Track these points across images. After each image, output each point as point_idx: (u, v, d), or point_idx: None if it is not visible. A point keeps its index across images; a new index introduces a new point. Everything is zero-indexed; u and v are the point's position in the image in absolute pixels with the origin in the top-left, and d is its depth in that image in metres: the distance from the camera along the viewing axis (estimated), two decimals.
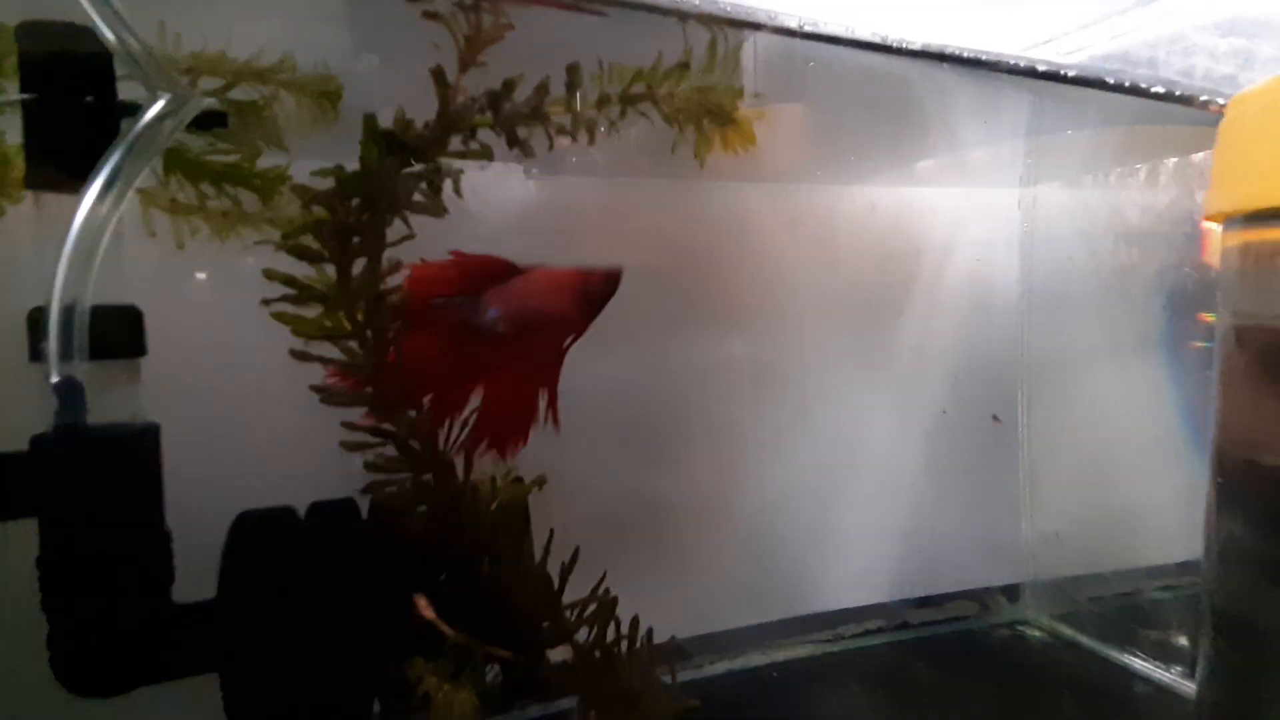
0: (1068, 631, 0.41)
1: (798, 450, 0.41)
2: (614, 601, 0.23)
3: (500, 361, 0.25)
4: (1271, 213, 0.19)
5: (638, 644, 0.23)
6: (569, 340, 0.27)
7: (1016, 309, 0.43)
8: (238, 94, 0.24)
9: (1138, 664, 0.37)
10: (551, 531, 0.24)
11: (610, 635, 0.23)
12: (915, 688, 0.37)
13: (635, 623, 0.23)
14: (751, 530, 0.41)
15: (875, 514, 0.43)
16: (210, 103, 0.20)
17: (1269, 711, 0.21)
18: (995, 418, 0.41)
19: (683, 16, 0.19)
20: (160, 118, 0.20)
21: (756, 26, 0.23)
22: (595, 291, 0.28)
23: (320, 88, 0.26)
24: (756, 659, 0.39)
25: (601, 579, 0.23)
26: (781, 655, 0.40)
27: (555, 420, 0.26)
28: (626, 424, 0.38)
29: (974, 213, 0.42)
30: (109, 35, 0.18)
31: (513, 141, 0.19)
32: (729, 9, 0.23)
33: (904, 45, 0.31)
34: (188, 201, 0.25)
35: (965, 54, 0.34)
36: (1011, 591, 0.44)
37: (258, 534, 0.23)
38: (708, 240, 0.40)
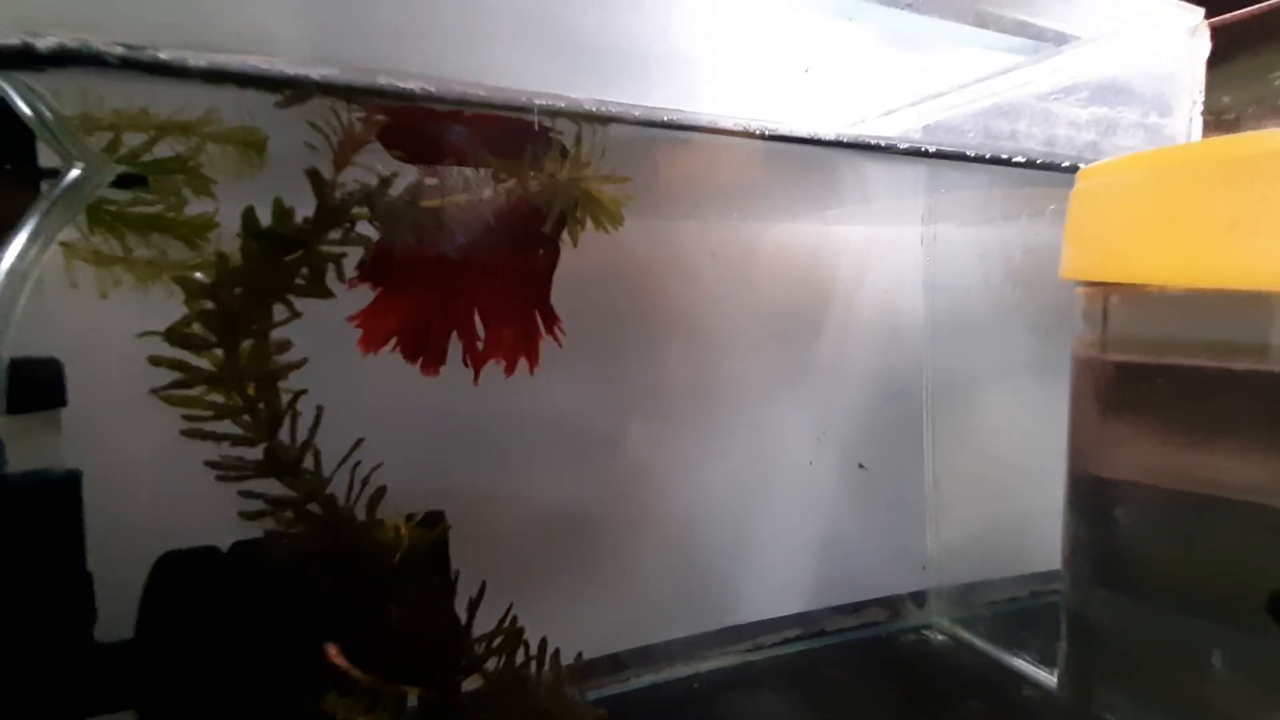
0: (966, 635, 0.44)
1: (721, 467, 0.44)
2: (520, 631, 0.25)
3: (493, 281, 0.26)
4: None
5: (546, 666, 0.25)
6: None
7: (921, 335, 0.47)
8: (163, 149, 0.25)
9: (1024, 666, 0.40)
10: (457, 573, 0.25)
11: (521, 659, 0.25)
12: (828, 691, 0.40)
13: (544, 644, 0.25)
14: (676, 545, 0.43)
15: (793, 527, 0.45)
16: (121, 169, 0.21)
17: (1101, 704, 0.23)
18: (861, 465, 0.44)
19: (565, 115, 0.20)
20: (76, 183, 0.21)
21: (623, 121, 0.24)
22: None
23: (246, 138, 0.27)
24: (681, 670, 0.41)
25: (508, 611, 0.25)
26: (704, 666, 0.42)
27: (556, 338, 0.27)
28: (557, 442, 0.40)
29: (882, 248, 0.45)
30: (24, 109, 0.19)
31: (389, 231, 0.21)
32: (614, 109, 0.24)
33: (783, 133, 0.33)
34: (111, 253, 0.26)
35: (869, 142, 0.37)
36: (919, 598, 0.47)
37: (180, 573, 0.24)
38: (637, 270, 0.42)
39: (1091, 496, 0.24)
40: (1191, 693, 0.21)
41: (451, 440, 0.37)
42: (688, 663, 0.42)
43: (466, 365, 0.27)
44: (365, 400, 0.32)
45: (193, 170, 0.26)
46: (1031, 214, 0.39)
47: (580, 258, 0.41)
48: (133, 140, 0.24)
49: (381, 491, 0.23)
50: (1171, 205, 0.18)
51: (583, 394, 0.40)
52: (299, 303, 0.22)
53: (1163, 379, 0.21)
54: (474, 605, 0.24)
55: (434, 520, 0.27)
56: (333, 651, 0.21)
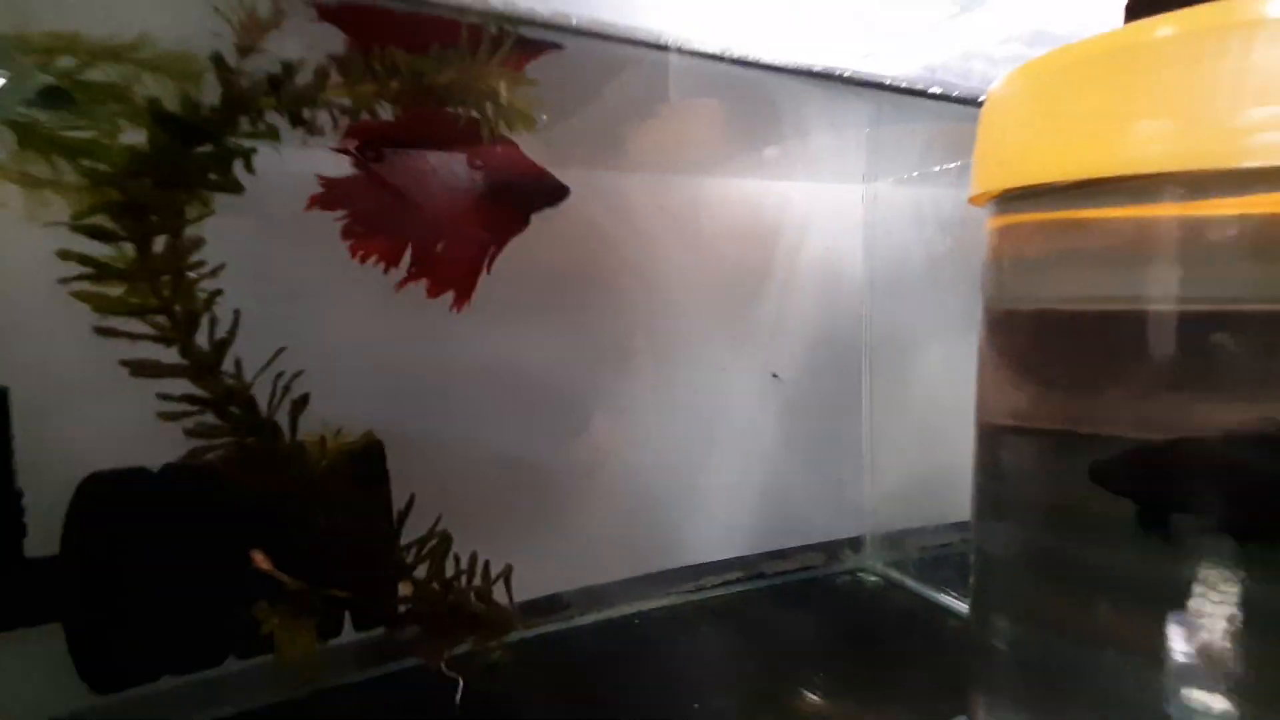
0: (898, 576, 0.47)
1: (667, 417, 0.45)
2: (448, 539, 0.26)
3: (458, 219, 0.30)
4: (1013, 194, 0.22)
5: (475, 577, 0.26)
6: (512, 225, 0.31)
7: (861, 290, 0.48)
8: (97, 74, 0.26)
9: (951, 602, 0.43)
10: (413, 496, 0.27)
11: (453, 572, 0.27)
12: (764, 628, 0.42)
13: (474, 557, 0.27)
14: (625, 492, 0.44)
15: (736, 476, 0.47)
16: (49, 80, 0.21)
17: (992, 628, 0.25)
18: (775, 375, 0.45)
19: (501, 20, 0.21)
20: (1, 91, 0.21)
21: (592, 35, 0.26)
22: (548, 185, 0.32)
23: (182, 68, 0.27)
24: (624, 609, 0.43)
25: (437, 521, 0.26)
26: (647, 605, 0.44)
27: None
28: (512, 394, 0.41)
29: (823, 205, 0.47)
30: None
31: (296, 121, 0.21)
32: (576, 22, 0.26)
33: (754, 59, 0.35)
34: (41, 175, 0.26)
35: (814, 69, 0.38)
36: (855, 543, 0.49)
37: (106, 492, 0.24)
38: (587, 223, 0.43)
39: (985, 439, 0.26)
40: (1067, 614, 0.23)
41: (409, 389, 0.38)
42: (631, 602, 0.44)
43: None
44: (327, 352, 0.33)
45: (126, 98, 0.26)
46: (965, 165, 0.41)
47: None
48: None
49: (304, 399, 0.24)
50: (1052, 102, 0.19)
51: (534, 345, 0.41)
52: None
53: (1036, 327, 0.23)
54: (403, 516, 0.25)
55: (372, 447, 0.28)
56: (259, 558, 0.22)
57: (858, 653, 0.39)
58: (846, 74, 0.40)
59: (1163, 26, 0.17)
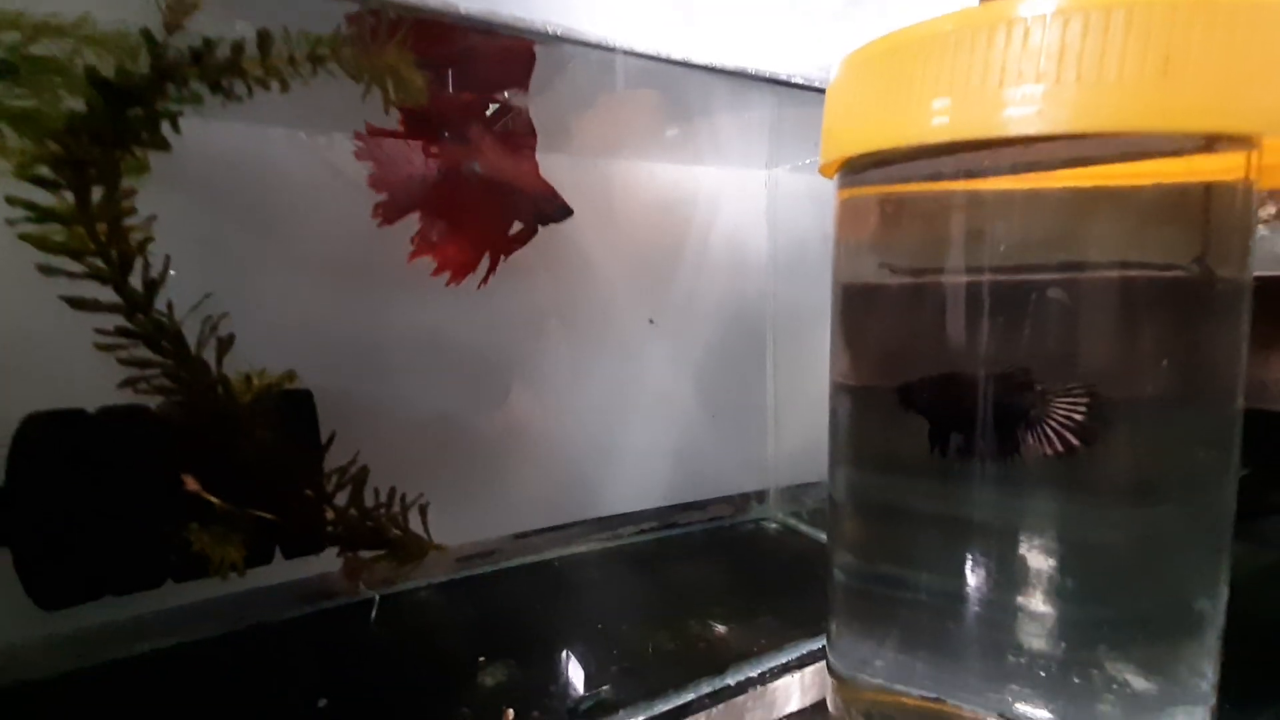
0: (796, 524, 0.52)
1: (590, 383, 0.49)
2: (365, 471, 0.29)
3: (469, 207, 0.34)
4: (845, 167, 0.26)
5: (394, 506, 0.29)
6: (514, 229, 0.36)
7: (766, 269, 0.53)
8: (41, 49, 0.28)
9: None
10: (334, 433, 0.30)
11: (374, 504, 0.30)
12: (671, 568, 0.46)
13: (393, 491, 0.30)
14: (549, 451, 0.48)
15: (653, 436, 0.51)
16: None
17: (835, 559, 0.29)
18: (650, 320, 0.49)
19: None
20: None
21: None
22: (554, 203, 0.37)
23: (118, 43, 0.30)
24: (546, 555, 0.47)
25: (355, 457, 0.29)
26: (567, 551, 0.48)
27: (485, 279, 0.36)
28: (446, 360, 0.44)
29: (731, 190, 0.52)
30: None
31: (215, 89, 0.24)
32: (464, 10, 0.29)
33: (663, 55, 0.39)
34: None
35: (719, 66, 0.43)
36: (760, 495, 0.54)
37: (45, 430, 0.27)
38: None
39: (831, 398, 0.30)
40: (881, 543, 0.28)
41: (346, 353, 0.41)
42: (552, 548, 0.47)
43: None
44: (270, 318, 0.36)
45: (67, 70, 0.28)
46: None
47: None
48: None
49: (230, 339, 0.27)
50: (865, 85, 0.23)
51: (463, 316, 0.44)
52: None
53: (855, 295, 0.27)
54: (326, 445, 0.28)
55: (299, 391, 0.31)
56: (189, 481, 0.25)
57: (751, 587, 0.43)
58: (752, 71, 0.46)
59: (948, 21, 0.21)
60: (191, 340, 0.27)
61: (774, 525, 0.52)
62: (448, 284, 0.38)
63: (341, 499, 0.29)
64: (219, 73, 0.24)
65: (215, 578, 0.27)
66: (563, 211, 0.38)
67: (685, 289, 0.52)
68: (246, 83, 0.24)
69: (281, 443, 0.28)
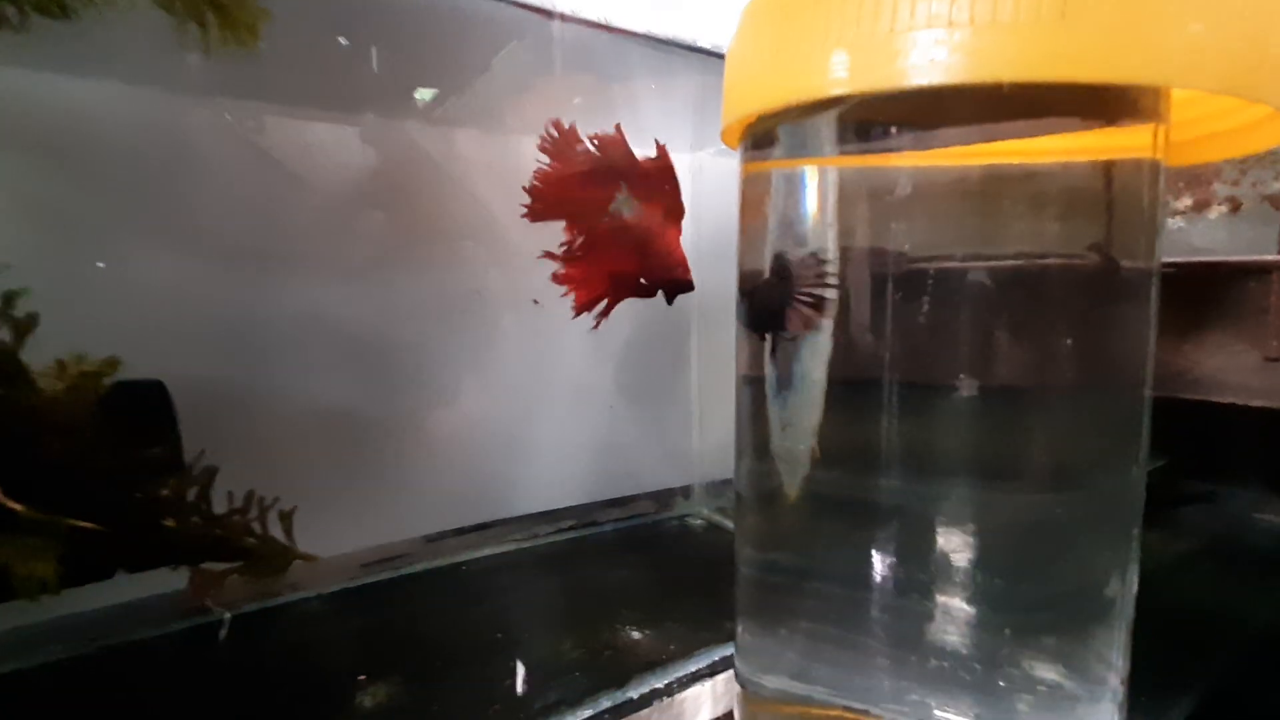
0: (721, 520, 0.50)
1: (501, 373, 0.46)
2: (211, 472, 0.26)
3: (613, 245, 0.36)
4: (754, 134, 0.24)
5: (252, 512, 0.26)
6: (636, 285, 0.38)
7: (689, 253, 0.51)
8: None
9: None
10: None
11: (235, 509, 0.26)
12: (588, 570, 0.44)
13: (250, 494, 0.27)
14: (461, 446, 0.45)
15: (571, 430, 0.49)
16: None
17: (738, 554, 0.28)
18: (535, 301, 0.46)
19: None
20: None
21: None
22: (685, 276, 0.38)
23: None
24: (454, 558, 0.44)
25: (201, 454, 0.26)
26: (478, 554, 0.45)
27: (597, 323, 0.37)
28: (345, 349, 0.40)
29: None
30: None
31: None
32: None
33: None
34: None
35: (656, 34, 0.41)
36: (686, 491, 0.53)
37: None
38: (414, 180, 0.43)
39: (737, 388, 0.29)
40: (780, 529, 0.26)
41: (228, 343, 0.37)
42: (463, 551, 0.44)
43: None
44: (136, 301, 0.32)
45: None
46: None
47: (361, 167, 0.42)
48: None
49: (32, 319, 0.23)
50: (754, 43, 0.21)
51: (362, 301, 0.41)
52: None
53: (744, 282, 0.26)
54: (170, 452, 0.25)
55: (145, 386, 0.28)
56: None
57: (669, 588, 0.41)
58: (673, 39, 0.43)
59: None
60: None
61: (699, 522, 0.51)
62: (574, 313, 0.38)
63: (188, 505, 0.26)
64: None
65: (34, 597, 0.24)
66: (687, 286, 0.39)
67: None
68: (23, 10, 0.21)
69: (110, 442, 0.24)
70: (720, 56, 0.42)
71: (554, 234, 0.47)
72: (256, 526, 0.26)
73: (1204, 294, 0.39)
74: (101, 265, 0.33)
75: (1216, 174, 0.52)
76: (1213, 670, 0.33)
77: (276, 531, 0.28)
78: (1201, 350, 0.38)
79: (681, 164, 0.51)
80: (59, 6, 0.21)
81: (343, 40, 0.37)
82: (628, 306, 0.50)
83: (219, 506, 0.29)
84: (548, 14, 0.42)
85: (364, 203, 0.42)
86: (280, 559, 0.26)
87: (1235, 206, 0.51)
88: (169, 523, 0.25)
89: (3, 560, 0.22)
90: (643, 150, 0.49)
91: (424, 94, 0.44)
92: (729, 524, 0.49)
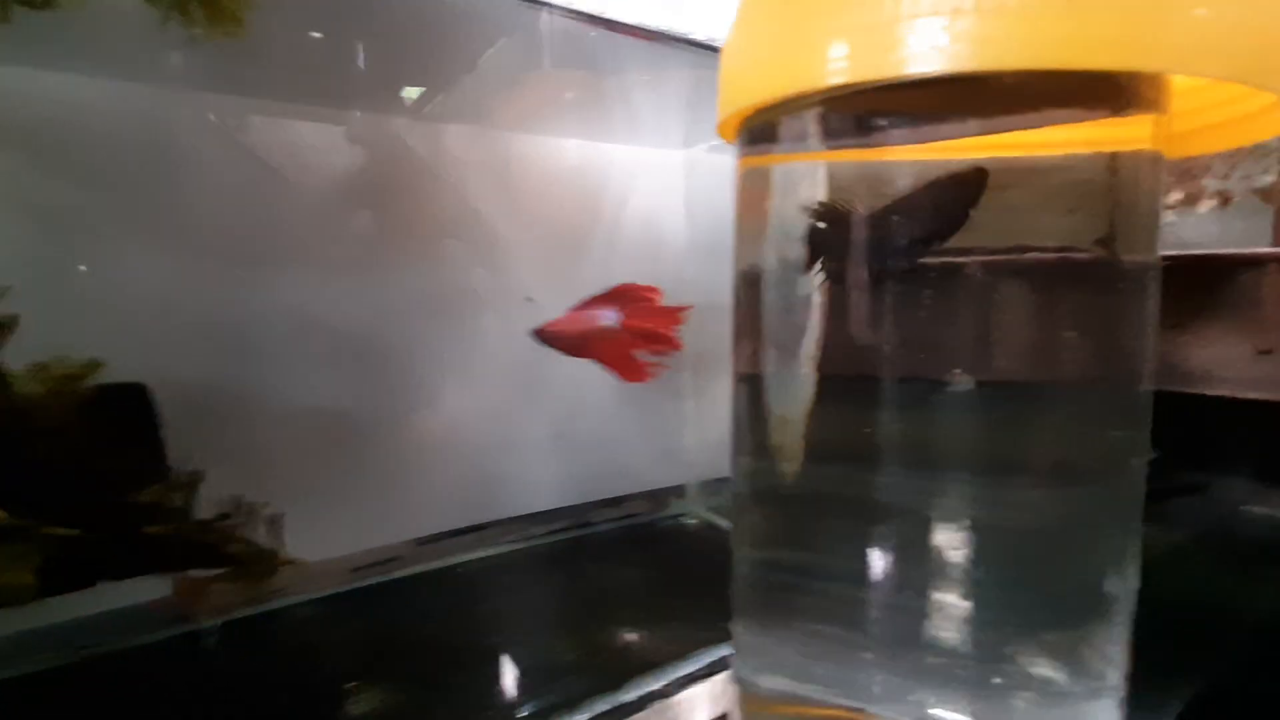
0: (715, 518, 0.50)
1: (497, 372, 0.46)
2: (196, 477, 0.25)
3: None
4: (751, 127, 0.23)
5: (238, 518, 0.26)
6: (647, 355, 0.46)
7: (683, 250, 0.51)
8: None
9: None
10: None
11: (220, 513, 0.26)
12: (582, 570, 0.43)
13: (238, 500, 0.26)
14: (456, 447, 0.44)
15: (566, 430, 0.48)
16: None
17: (736, 553, 0.27)
18: (529, 299, 0.47)
19: None
20: None
21: None
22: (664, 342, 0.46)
23: None
24: (447, 560, 0.43)
25: (186, 458, 0.25)
26: (471, 556, 0.44)
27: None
28: (334, 349, 0.40)
29: (647, 168, 0.49)
30: None
31: None
32: None
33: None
34: None
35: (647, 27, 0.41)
36: (679, 490, 0.52)
37: None
38: (404, 177, 0.42)
39: (734, 387, 0.28)
40: (779, 528, 0.26)
41: (224, 345, 0.36)
42: (458, 553, 0.44)
43: None
44: (128, 303, 0.32)
45: None
46: None
47: (348, 164, 0.41)
48: None
49: (12, 320, 0.22)
50: (749, 36, 0.21)
51: (351, 299, 0.40)
52: None
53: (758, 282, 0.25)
54: (152, 457, 0.24)
55: (136, 390, 0.27)
56: None
57: (665, 587, 0.41)
58: (667, 31, 0.43)
59: None
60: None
61: (693, 521, 0.50)
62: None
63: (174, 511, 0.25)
64: None
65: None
66: (670, 344, 0.47)
67: (599, 273, 0.48)
68: None
69: (93, 444, 0.23)
70: (714, 49, 0.41)
71: (546, 235, 0.47)
72: (243, 532, 0.26)
73: (1196, 287, 0.39)
74: (84, 269, 0.32)
75: (1206, 168, 0.52)
76: (1207, 663, 0.33)
77: (270, 535, 0.27)
78: (1194, 343, 0.38)
79: (674, 160, 0.51)
80: None
81: (317, 34, 0.36)
82: None
83: (207, 511, 0.28)
84: (537, 5, 0.41)
85: (352, 200, 0.41)
86: (267, 565, 0.26)
87: (1225, 200, 0.51)
88: (151, 529, 0.24)
89: None
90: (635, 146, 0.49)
91: (411, 91, 0.43)
92: (724, 522, 0.49)
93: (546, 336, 0.44)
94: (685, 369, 0.52)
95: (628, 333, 0.46)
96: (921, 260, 0.20)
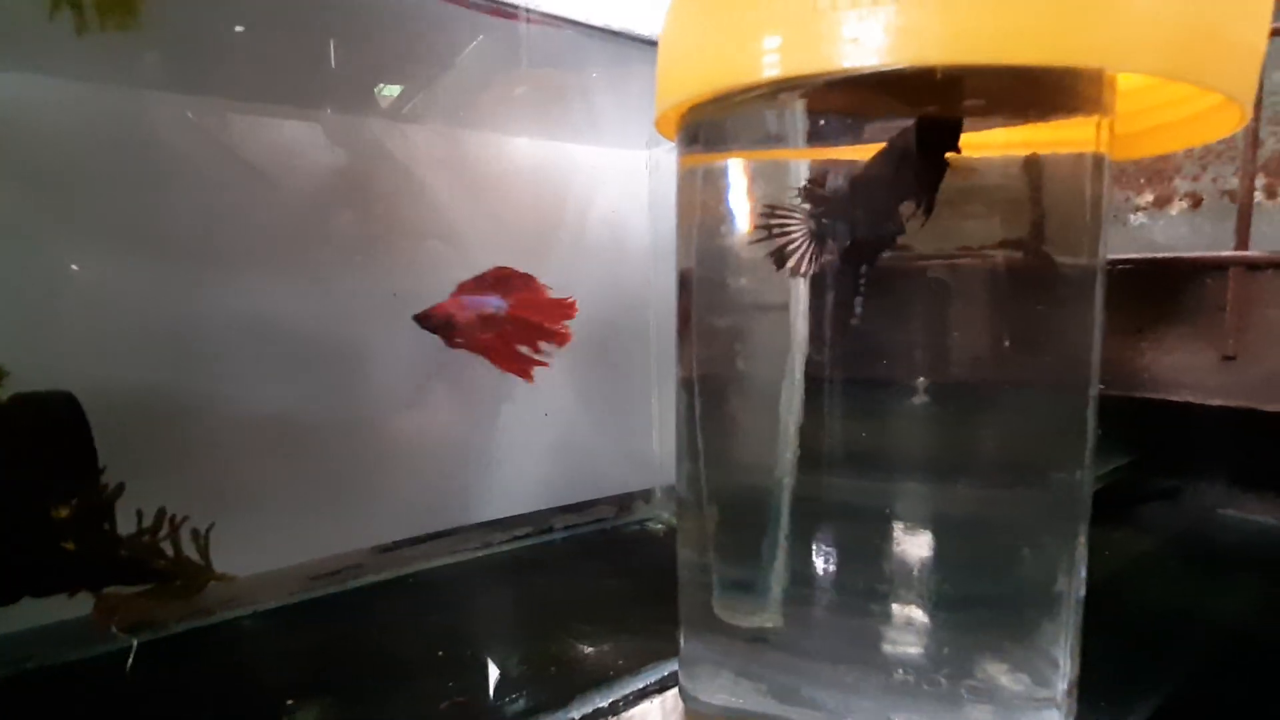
0: None
1: (457, 376, 0.44)
2: (116, 490, 0.24)
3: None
4: (689, 123, 0.23)
5: (163, 532, 0.24)
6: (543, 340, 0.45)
7: (647, 252, 0.50)
8: None
9: None
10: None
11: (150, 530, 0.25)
12: (541, 578, 0.42)
13: (162, 512, 0.25)
14: (415, 452, 0.43)
15: (529, 434, 0.47)
16: None
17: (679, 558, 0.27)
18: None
19: None
20: None
21: None
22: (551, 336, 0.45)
23: None
24: (412, 569, 0.42)
25: (101, 471, 0.24)
26: (436, 564, 0.43)
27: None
28: (288, 353, 0.38)
29: (610, 170, 0.48)
30: None
31: None
32: None
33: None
34: None
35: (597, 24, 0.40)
36: (646, 495, 0.51)
37: None
38: (361, 176, 0.41)
39: (676, 392, 0.28)
40: (725, 532, 0.25)
41: (175, 350, 0.35)
42: (417, 561, 0.43)
43: None
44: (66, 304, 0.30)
45: None
46: None
47: (302, 166, 0.40)
48: None
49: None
50: (684, 31, 0.20)
51: (305, 302, 0.39)
52: None
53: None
54: (68, 471, 0.23)
55: (52, 399, 0.26)
56: None
57: (625, 596, 0.40)
58: (638, 35, 0.42)
59: None
60: None
61: (660, 526, 0.49)
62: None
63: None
64: None
65: None
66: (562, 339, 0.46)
67: (562, 274, 0.47)
68: None
69: (13, 456, 0.22)
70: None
71: (517, 240, 0.46)
72: (168, 547, 0.25)
73: (1160, 291, 0.38)
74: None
75: (1177, 169, 0.51)
76: (1176, 667, 0.33)
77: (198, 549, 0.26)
78: (1159, 348, 0.38)
79: (637, 160, 0.50)
80: None
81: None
82: (587, 308, 0.49)
83: (136, 525, 0.27)
84: (512, 9, 0.40)
85: (319, 201, 0.40)
86: (194, 580, 0.25)
87: (1196, 202, 0.51)
88: (68, 545, 0.23)
89: None
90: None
91: (388, 90, 0.42)
92: None
93: (427, 321, 0.42)
94: (652, 371, 0.51)
95: (512, 323, 0.43)
96: (902, 223, 0.19)
